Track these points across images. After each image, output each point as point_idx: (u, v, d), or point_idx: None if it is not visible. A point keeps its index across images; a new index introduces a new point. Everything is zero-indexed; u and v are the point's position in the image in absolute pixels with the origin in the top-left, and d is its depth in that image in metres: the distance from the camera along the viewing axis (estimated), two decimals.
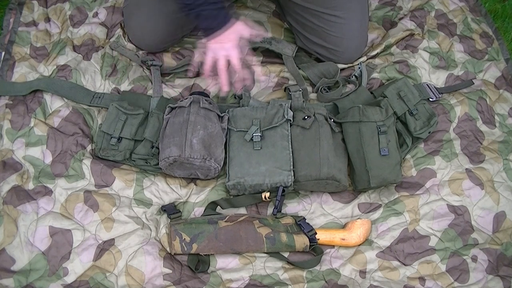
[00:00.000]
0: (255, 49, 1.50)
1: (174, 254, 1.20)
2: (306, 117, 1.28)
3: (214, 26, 1.19)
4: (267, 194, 1.24)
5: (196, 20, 1.20)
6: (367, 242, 1.25)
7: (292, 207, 1.29)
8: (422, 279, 1.20)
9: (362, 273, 1.21)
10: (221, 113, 1.30)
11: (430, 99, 1.42)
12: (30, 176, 1.25)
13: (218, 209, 1.27)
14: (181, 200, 1.28)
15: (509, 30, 1.72)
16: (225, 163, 1.28)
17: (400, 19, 1.61)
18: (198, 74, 1.46)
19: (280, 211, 1.25)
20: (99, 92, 1.39)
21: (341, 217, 1.29)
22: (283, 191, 1.23)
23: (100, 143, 1.30)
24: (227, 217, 1.23)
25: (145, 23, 1.41)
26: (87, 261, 1.17)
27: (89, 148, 1.30)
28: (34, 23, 1.50)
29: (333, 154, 1.25)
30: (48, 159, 1.28)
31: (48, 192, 1.23)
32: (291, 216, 1.26)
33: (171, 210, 1.24)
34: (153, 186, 1.28)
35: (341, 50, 1.45)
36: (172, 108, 1.28)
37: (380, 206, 1.29)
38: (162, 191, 1.28)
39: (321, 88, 1.44)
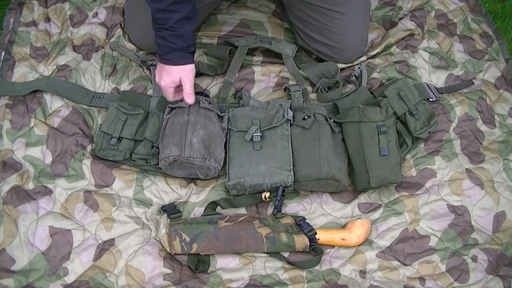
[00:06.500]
0: (255, 49, 1.50)
1: (174, 254, 1.20)
2: (306, 117, 1.28)
3: (168, 57, 1.20)
4: (267, 194, 1.24)
5: (158, 40, 1.20)
6: (367, 242, 1.25)
7: (292, 207, 1.29)
8: (422, 279, 1.20)
9: (362, 273, 1.21)
10: (221, 113, 1.30)
11: (430, 99, 1.42)
12: (30, 176, 1.25)
13: (218, 209, 1.27)
14: (181, 200, 1.28)
15: (509, 30, 1.72)
16: (225, 163, 1.28)
17: (400, 19, 1.61)
18: (198, 74, 1.45)
19: (280, 211, 1.25)
20: (99, 92, 1.39)
21: (341, 217, 1.28)
22: (283, 191, 1.23)
23: (100, 143, 1.30)
24: (227, 217, 1.23)
25: (147, 23, 1.41)
26: (87, 261, 1.17)
27: (89, 148, 1.30)
28: (34, 23, 1.49)
29: (333, 154, 1.25)
30: (48, 159, 1.28)
31: (48, 192, 1.23)
32: (291, 216, 1.26)
33: (171, 210, 1.24)
34: (153, 186, 1.27)
35: (343, 48, 1.45)
36: (172, 108, 1.28)
37: (380, 206, 1.29)
38: (162, 191, 1.28)
39: (321, 88, 1.44)
